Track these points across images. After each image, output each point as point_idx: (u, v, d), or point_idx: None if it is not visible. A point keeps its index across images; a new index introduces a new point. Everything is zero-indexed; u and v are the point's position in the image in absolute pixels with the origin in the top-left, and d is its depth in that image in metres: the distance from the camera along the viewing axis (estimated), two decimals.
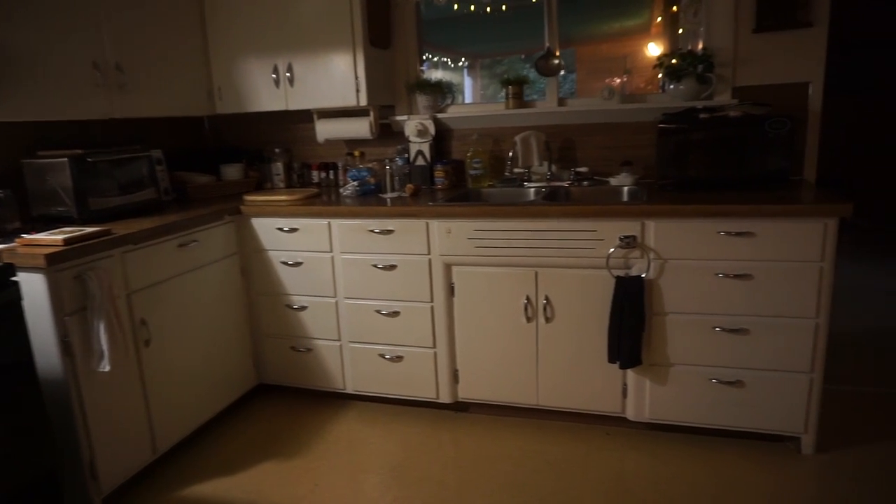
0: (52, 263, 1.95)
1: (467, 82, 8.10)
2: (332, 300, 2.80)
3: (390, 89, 3.21)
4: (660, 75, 2.94)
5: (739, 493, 2.16)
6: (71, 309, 2.03)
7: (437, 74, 3.18)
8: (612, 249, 2.38)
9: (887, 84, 5.51)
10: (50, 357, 2.01)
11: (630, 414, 2.52)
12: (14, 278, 1.95)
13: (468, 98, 4.31)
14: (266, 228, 2.84)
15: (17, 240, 2.07)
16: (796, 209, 2.17)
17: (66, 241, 2.02)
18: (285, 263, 2.84)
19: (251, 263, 2.91)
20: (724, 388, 2.37)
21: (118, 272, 2.20)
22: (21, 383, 1.96)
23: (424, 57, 3.31)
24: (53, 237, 2.05)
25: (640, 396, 2.47)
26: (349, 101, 2.93)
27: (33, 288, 1.96)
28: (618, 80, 3.13)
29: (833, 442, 2.43)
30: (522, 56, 3.10)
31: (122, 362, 2.17)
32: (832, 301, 2.22)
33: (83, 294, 2.05)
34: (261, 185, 3.38)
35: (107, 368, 2.07)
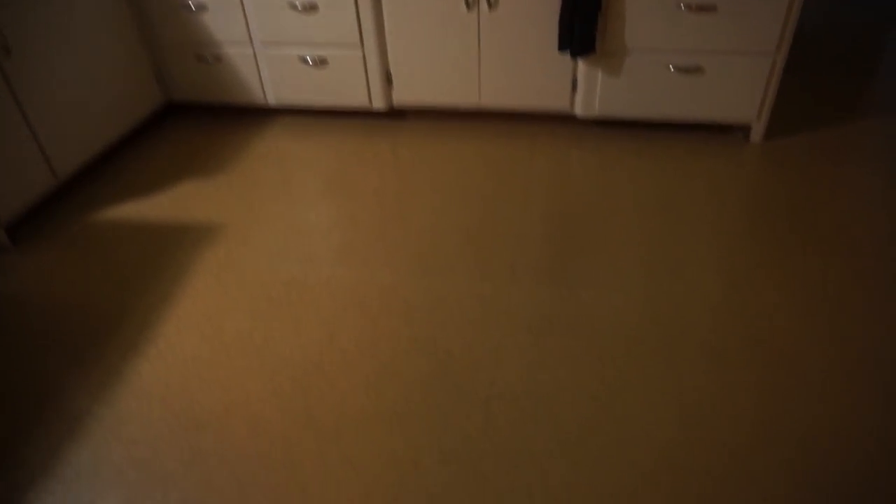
0: None
1: None
2: None
3: None
4: None
5: (682, 179, 2.12)
6: None
7: None
8: None
9: None
10: None
11: (578, 110, 2.34)
12: None
13: None
14: None
15: None
16: None
17: None
18: None
19: None
20: (681, 76, 2.18)
21: None
22: None
23: None
24: None
25: (591, 90, 2.28)
26: None
27: None
28: None
29: (782, 129, 2.37)
30: None
31: None
32: None
33: None
34: None
35: None
